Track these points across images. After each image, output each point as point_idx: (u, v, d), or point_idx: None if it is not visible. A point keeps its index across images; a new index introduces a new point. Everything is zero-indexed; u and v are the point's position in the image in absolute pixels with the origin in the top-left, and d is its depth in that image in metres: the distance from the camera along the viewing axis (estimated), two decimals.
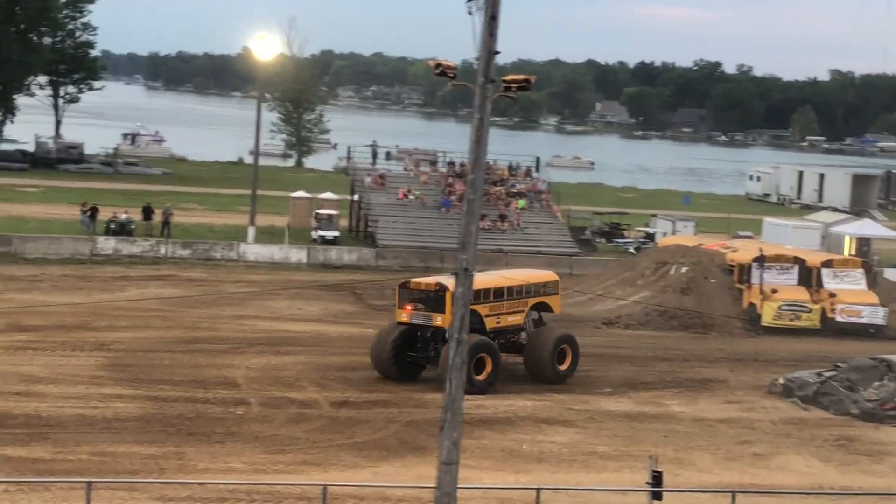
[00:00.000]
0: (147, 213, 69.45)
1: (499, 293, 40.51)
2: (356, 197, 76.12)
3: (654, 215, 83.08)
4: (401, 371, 39.41)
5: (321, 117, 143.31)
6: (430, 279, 40.73)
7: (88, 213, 68.11)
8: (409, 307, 39.61)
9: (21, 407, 33.21)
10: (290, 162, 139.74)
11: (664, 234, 73.74)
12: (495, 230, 70.93)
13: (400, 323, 39.82)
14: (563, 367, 40.88)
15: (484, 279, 40.05)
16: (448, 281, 38.78)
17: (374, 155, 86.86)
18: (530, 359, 41.03)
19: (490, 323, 40.05)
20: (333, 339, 45.85)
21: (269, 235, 69.42)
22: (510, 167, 79.75)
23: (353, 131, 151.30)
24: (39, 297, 50.37)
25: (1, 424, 31.53)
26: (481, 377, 38.15)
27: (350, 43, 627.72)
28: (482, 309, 39.30)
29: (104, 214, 68.66)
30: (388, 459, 30.94)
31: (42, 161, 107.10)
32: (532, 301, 41.70)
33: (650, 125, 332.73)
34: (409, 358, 39.55)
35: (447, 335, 35.64)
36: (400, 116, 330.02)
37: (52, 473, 27.68)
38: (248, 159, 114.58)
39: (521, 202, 74.85)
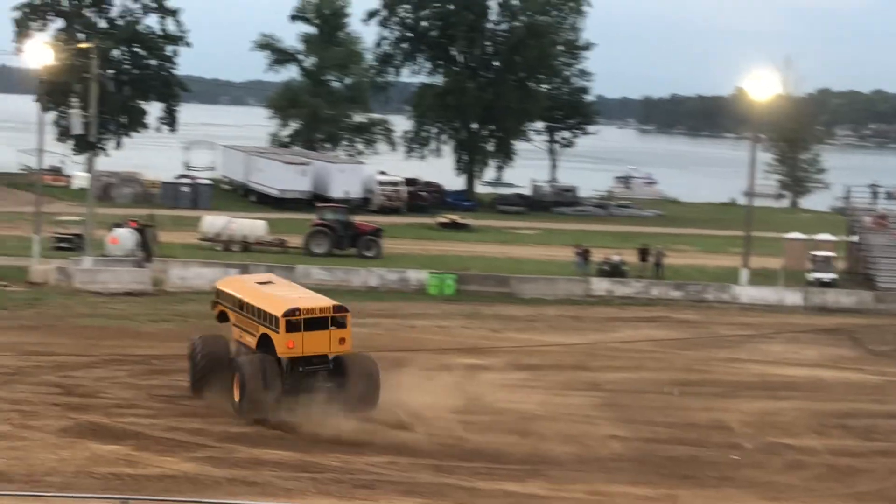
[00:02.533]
0: (643, 254, 69.98)
1: (240, 305, 37.11)
2: (855, 238, 73.63)
3: None
4: None
5: (817, 157, 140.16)
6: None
7: (582, 255, 69.44)
8: None
9: (519, 444, 34.05)
10: (784, 203, 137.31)
11: None
12: None
13: None
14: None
15: (237, 284, 38.55)
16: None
17: (875, 195, 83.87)
18: None
19: (235, 333, 37.56)
20: (832, 384, 44.37)
21: (762, 277, 68.17)
22: None
23: (850, 171, 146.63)
24: (536, 336, 51.70)
25: (499, 460, 32.45)
26: None
27: (848, 80, 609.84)
28: (231, 315, 37.54)
29: (597, 256, 69.77)
30: None
31: (538, 204, 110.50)
32: (262, 329, 35.72)
33: None
34: None
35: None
36: None
37: None
38: (741, 200, 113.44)
39: None
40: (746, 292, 64.00)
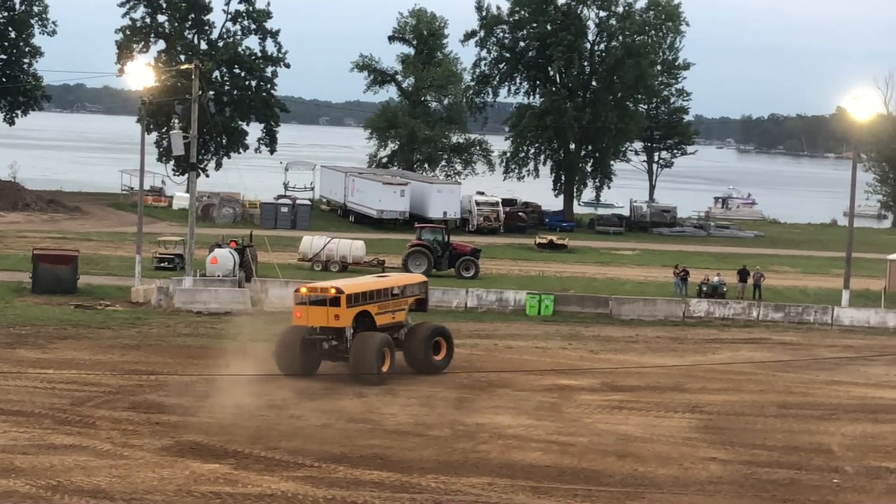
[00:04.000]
0: (743, 275, 69.40)
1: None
2: None
3: None
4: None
5: None
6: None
7: (681, 276, 69.04)
8: None
9: (617, 465, 33.91)
10: (886, 224, 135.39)
11: None
12: None
13: None
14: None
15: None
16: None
17: None
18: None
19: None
20: None
21: (864, 299, 67.32)
22: None
23: None
24: (634, 357, 51.44)
25: (598, 482, 32.30)
26: (439, 357, 45.38)
27: None
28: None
29: (696, 277, 69.29)
30: None
31: (637, 224, 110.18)
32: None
33: None
34: None
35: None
36: None
37: None
38: (842, 221, 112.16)
39: None
40: (848, 314, 63.13)
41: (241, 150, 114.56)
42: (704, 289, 67.67)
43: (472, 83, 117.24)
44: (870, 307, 64.81)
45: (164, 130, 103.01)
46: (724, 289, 67.89)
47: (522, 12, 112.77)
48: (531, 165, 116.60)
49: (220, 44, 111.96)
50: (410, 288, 46.85)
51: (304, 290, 44.31)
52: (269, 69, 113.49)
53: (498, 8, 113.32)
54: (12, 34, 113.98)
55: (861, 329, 61.52)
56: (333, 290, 43.73)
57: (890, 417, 41.42)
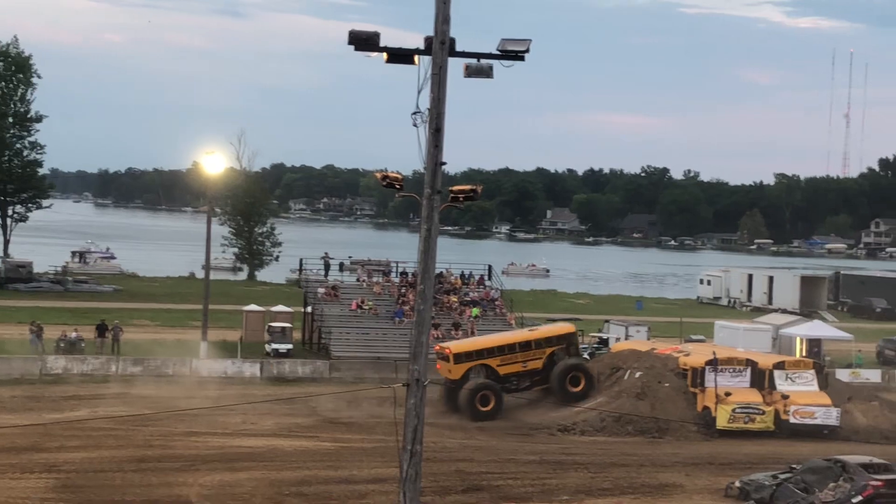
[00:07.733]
0: (101, 330, 68.96)
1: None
2: (309, 309, 75.96)
3: (608, 321, 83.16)
4: None
5: (272, 230, 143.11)
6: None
7: (36, 332, 67.50)
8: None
9: None
10: (242, 275, 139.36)
11: (617, 340, 73.67)
12: (449, 339, 70.85)
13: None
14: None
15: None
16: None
17: (327, 267, 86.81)
18: None
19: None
20: (288, 453, 45.47)
21: (221, 350, 68.98)
22: (463, 276, 79.96)
23: (305, 243, 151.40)
24: None
25: None
26: (576, 389, 55.25)
27: (301, 156, 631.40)
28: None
29: (55, 333, 68.07)
30: None
31: None
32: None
33: (600, 231, 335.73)
34: None
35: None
36: (352, 227, 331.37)
37: None
38: (200, 274, 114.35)
39: (475, 310, 74.92)
40: (206, 365, 64.50)
41: None
42: (62, 345, 66.60)
43: None
44: (227, 357, 66.58)
45: None
46: (83, 344, 67.18)
47: None
48: None
49: None
50: (548, 340, 57.16)
51: (436, 349, 55.56)
52: None
53: None
54: None
55: (219, 379, 62.98)
56: (447, 350, 56.09)
57: (246, 465, 42.72)
